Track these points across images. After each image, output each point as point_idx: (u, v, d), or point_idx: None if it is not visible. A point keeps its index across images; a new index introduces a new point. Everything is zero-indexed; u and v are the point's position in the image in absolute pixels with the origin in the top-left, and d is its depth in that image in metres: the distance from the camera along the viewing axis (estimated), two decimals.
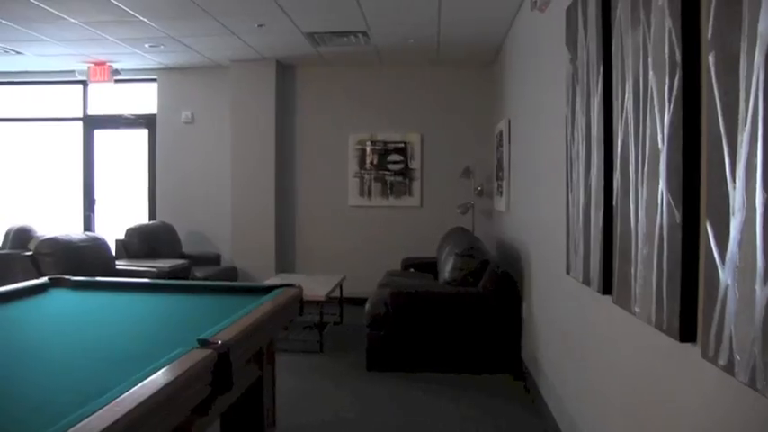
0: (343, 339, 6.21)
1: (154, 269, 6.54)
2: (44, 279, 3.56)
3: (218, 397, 2.17)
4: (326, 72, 8.20)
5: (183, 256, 7.72)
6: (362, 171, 8.18)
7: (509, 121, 6.18)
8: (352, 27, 6.39)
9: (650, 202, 1.96)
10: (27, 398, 1.79)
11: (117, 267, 6.50)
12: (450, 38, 6.73)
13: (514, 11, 5.71)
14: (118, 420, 1.48)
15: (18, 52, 7.45)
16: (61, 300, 3.27)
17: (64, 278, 3.58)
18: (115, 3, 5.51)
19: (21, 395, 1.82)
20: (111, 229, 8.02)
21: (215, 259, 7.94)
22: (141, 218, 8.52)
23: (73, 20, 6.07)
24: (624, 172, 2.23)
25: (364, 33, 6.59)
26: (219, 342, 2.15)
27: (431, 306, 5.15)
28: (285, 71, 8.18)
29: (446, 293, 5.17)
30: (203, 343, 2.14)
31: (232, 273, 7.67)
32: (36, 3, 5.54)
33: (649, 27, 1.96)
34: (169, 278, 6.38)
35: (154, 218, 8.50)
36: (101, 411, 1.53)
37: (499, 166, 6.83)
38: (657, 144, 1.90)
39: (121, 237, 7.51)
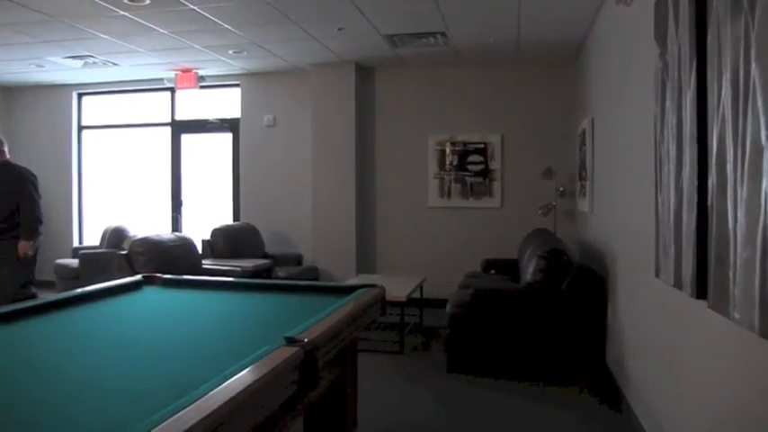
0: (423, 340, 6.21)
1: (238, 268, 6.71)
2: (138, 277, 3.70)
3: (304, 394, 2.20)
4: (405, 73, 8.22)
5: (265, 256, 7.89)
6: (442, 172, 8.15)
7: (592, 120, 6.04)
8: (431, 28, 6.38)
9: (751, 203, 1.87)
10: (127, 388, 1.87)
11: (203, 266, 6.70)
12: (531, 36, 6.63)
13: (597, 6, 5.57)
14: (212, 413, 1.53)
15: (114, 63, 7.84)
16: (154, 296, 3.40)
17: (155, 276, 3.71)
18: (202, 12, 5.70)
19: (121, 385, 1.91)
20: (197, 230, 8.27)
21: (296, 259, 8.07)
22: (226, 219, 8.76)
23: (163, 30, 6.31)
24: (721, 171, 2.14)
25: (443, 34, 6.57)
26: (306, 340, 2.18)
27: (513, 308, 5.08)
28: (364, 73, 8.25)
29: (529, 294, 5.08)
30: (290, 341, 2.17)
31: (313, 273, 7.79)
32: (131, 17, 5.81)
33: (753, 14, 1.86)
34: (252, 277, 6.53)
35: (238, 219, 8.72)
36: (196, 404, 1.58)
37: (582, 166, 6.68)
38: (761, 140, 1.81)
39: (207, 237, 7.75)
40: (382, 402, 4.43)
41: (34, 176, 5.83)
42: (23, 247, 5.62)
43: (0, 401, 1.77)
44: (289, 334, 2.23)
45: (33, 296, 5.63)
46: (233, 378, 1.79)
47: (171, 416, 1.50)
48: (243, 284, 3.73)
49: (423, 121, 8.20)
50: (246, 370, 1.86)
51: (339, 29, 6.41)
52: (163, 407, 1.58)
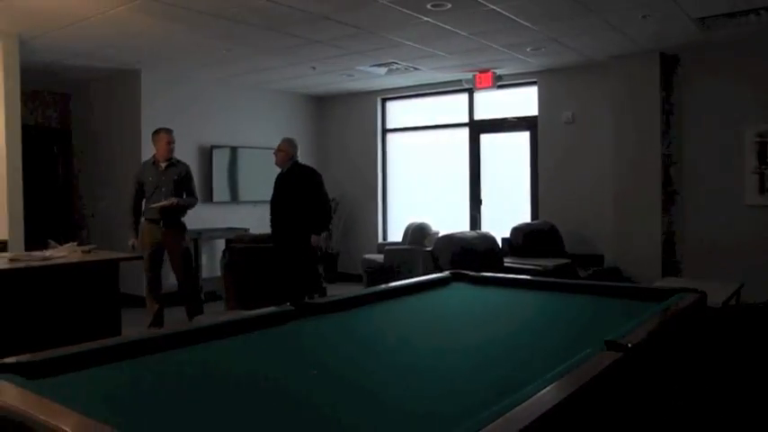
0: (745, 357, 5.59)
1: (539, 267, 6.64)
2: (446, 273, 3.82)
3: (623, 403, 2.08)
4: (715, 59, 7.43)
5: (565, 255, 7.72)
6: (763, 167, 7.26)
7: None
8: (751, 4, 5.70)
9: None
10: (448, 383, 1.91)
11: (504, 264, 6.76)
12: None
13: None
14: (542, 416, 1.49)
15: (416, 68, 8.28)
16: (462, 293, 3.48)
17: (463, 272, 3.79)
18: (501, 11, 5.74)
19: (442, 380, 1.94)
20: (496, 228, 8.37)
21: (597, 260, 7.77)
22: (524, 217, 8.74)
23: (462, 33, 6.49)
24: None
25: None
26: (629, 345, 2.05)
27: None
28: (668, 62, 7.63)
29: None
30: (611, 345, 2.06)
31: (615, 274, 7.44)
32: (434, 22, 6.06)
33: None
34: (553, 277, 6.43)
35: (536, 217, 8.66)
36: (523, 405, 1.55)
37: None
38: None
39: (506, 235, 7.82)
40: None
41: (320, 175, 6.37)
42: (315, 240, 6.12)
43: (336, 385, 1.92)
44: (610, 337, 2.12)
45: (323, 290, 6.16)
46: (557, 381, 1.73)
47: (498, 415, 1.49)
48: (548, 284, 3.65)
49: (738, 110, 7.36)
50: (570, 373, 1.80)
51: (644, 16, 6.03)
52: (487, 406, 1.57)
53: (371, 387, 1.88)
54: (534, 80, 8.66)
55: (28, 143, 6.76)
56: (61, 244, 5.26)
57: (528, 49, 7.31)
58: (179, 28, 6.24)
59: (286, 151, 6.31)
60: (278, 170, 6.53)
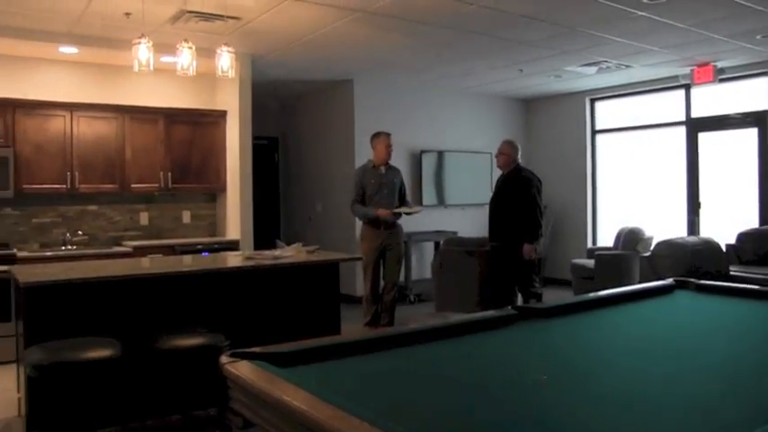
0: None
1: None
2: (670, 280, 3.62)
3: None
4: None
5: None
6: None
7: None
8: None
9: None
10: (685, 402, 1.79)
11: (730, 273, 6.25)
12: None
13: None
14: None
15: (628, 66, 7.95)
16: (690, 302, 3.27)
17: (689, 280, 3.57)
18: None
19: (678, 399, 1.82)
20: (717, 233, 7.77)
21: None
22: (749, 222, 8.01)
23: (680, 24, 6.12)
24: None
25: None
26: None
27: None
28: None
29: None
30: None
31: None
32: (649, 16, 5.79)
33: None
34: None
35: (765, 222, 7.89)
36: None
37: None
38: None
39: (731, 241, 7.23)
40: None
41: (539, 181, 6.18)
42: (527, 250, 5.95)
43: (567, 393, 1.89)
44: None
45: (538, 295, 6.01)
46: None
47: None
48: None
49: None
50: None
51: None
52: (742, 429, 1.47)
53: (604, 397, 1.84)
54: (763, 71, 7.92)
55: (254, 152, 7.37)
56: (288, 244, 5.67)
57: (758, 37, 6.68)
58: (392, 37, 6.50)
59: (508, 154, 6.26)
60: (485, 174, 6.52)
